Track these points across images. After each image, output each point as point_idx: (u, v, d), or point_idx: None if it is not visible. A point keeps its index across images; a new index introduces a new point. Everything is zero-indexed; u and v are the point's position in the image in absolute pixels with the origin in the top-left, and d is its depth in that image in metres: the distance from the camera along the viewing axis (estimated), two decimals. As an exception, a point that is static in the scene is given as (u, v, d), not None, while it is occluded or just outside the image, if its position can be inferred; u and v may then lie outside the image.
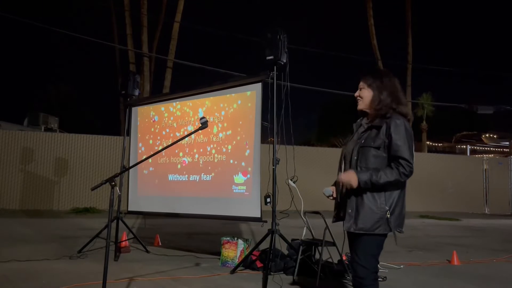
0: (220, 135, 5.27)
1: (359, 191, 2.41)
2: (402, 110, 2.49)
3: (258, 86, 4.92)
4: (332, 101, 29.32)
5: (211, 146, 5.35)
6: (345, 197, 2.52)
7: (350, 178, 2.38)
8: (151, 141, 6.10)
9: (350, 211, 2.45)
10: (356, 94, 2.63)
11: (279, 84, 4.74)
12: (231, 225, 8.50)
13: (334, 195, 2.66)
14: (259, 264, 4.66)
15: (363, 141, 2.48)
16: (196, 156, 5.50)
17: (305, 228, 4.76)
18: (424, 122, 22.40)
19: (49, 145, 11.92)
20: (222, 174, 5.20)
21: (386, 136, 2.41)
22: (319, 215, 4.40)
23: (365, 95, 2.57)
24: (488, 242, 7.78)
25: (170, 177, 5.78)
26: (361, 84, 2.60)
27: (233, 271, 4.55)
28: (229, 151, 5.15)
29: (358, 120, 2.68)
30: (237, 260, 4.83)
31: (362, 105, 2.60)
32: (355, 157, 2.48)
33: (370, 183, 2.35)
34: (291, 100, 4.71)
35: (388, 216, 2.37)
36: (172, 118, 5.90)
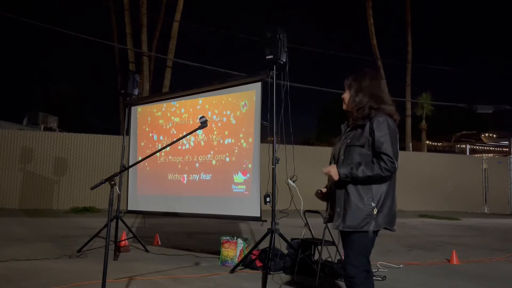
0: (221, 141, 5.25)
1: (344, 188, 2.46)
2: (386, 110, 2.50)
3: (258, 85, 4.92)
4: (332, 101, 29.35)
5: (211, 153, 5.33)
6: (333, 196, 2.55)
7: (331, 170, 2.48)
8: (148, 150, 6.02)
9: (338, 209, 2.49)
10: (343, 95, 2.70)
11: (279, 83, 4.74)
12: (231, 224, 8.49)
13: (323, 196, 2.71)
14: (258, 263, 4.66)
15: (348, 141, 2.54)
16: (197, 165, 5.48)
17: (304, 227, 4.76)
18: (424, 122, 22.40)
19: (48, 145, 11.90)
20: (222, 173, 5.20)
21: (370, 134, 2.45)
22: (318, 215, 4.40)
23: (344, 96, 2.67)
24: (488, 242, 7.78)
25: (170, 176, 5.78)
26: (344, 85, 2.68)
27: (232, 271, 4.55)
28: (233, 160, 5.12)
29: (346, 122, 2.73)
30: (236, 259, 4.83)
31: (345, 106, 2.69)
32: (342, 157, 2.53)
33: (350, 176, 2.41)
34: (290, 100, 4.71)
35: (375, 213, 2.39)
36: (170, 124, 5.87)
